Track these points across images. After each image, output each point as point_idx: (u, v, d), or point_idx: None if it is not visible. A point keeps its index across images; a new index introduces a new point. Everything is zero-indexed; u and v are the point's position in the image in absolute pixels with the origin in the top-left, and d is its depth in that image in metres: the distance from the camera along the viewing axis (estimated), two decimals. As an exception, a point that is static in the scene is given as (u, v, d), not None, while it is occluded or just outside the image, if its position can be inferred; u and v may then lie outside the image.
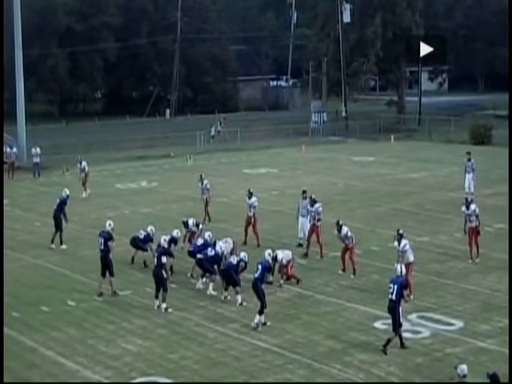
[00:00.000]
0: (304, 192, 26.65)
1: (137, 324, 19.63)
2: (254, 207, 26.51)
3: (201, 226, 24.88)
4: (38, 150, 42.51)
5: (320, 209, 25.03)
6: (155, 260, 20.76)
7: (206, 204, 30.13)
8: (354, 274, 22.94)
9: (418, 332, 18.68)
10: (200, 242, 22.87)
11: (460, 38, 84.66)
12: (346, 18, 64.29)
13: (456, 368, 13.29)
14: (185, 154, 47.79)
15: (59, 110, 77.13)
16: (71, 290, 22.30)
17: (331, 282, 22.72)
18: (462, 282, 22.44)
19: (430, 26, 69.99)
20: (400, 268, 18.40)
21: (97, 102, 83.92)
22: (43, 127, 59.70)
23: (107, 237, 21.90)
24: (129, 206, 33.68)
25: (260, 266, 19.49)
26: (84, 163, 36.98)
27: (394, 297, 17.54)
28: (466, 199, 24.99)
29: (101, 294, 21.57)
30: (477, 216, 24.23)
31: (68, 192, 27.93)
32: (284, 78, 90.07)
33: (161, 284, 20.34)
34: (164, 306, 20.26)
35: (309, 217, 25.35)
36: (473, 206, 24.34)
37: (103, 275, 21.62)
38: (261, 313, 19.09)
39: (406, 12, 64.76)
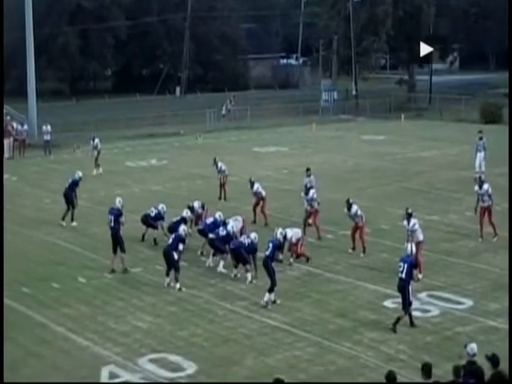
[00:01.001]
0: (308, 170, 27.02)
1: (147, 301, 19.71)
2: (260, 193, 26.53)
3: (206, 207, 24.91)
4: (49, 127, 42.52)
5: (315, 195, 24.88)
6: (170, 240, 20.77)
7: (224, 183, 30.13)
8: (364, 252, 22.94)
9: (428, 311, 18.69)
10: (210, 220, 22.93)
11: (471, 15, 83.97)
12: (357, -4, 63.88)
13: (466, 347, 13.29)
14: (195, 132, 47.75)
15: (70, 87, 77.15)
16: (81, 266, 22.39)
17: (341, 260, 22.73)
18: (471, 261, 22.42)
19: (442, 3, 69.41)
20: (410, 247, 18.40)
21: (107, 80, 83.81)
22: (54, 105, 59.73)
23: (117, 213, 21.95)
24: (138, 184, 33.72)
25: (271, 245, 19.52)
26: (97, 140, 37.02)
27: (403, 275, 17.54)
28: (480, 178, 24.87)
29: (113, 271, 21.64)
30: (489, 196, 24.14)
31: (81, 174, 27.76)
32: (294, 56, 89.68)
33: (172, 264, 20.38)
34: (178, 286, 20.26)
35: (305, 203, 25.08)
36: (486, 186, 24.23)
37: (114, 252, 21.69)
38: (271, 291, 19.14)
39: (417, -11, 64.31)
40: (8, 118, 44.18)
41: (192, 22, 76.01)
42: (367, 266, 22.12)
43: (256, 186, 26.68)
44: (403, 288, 17.52)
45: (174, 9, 76.76)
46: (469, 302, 19.22)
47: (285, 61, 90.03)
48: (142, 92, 70.92)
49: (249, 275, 20.71)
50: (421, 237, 21.23)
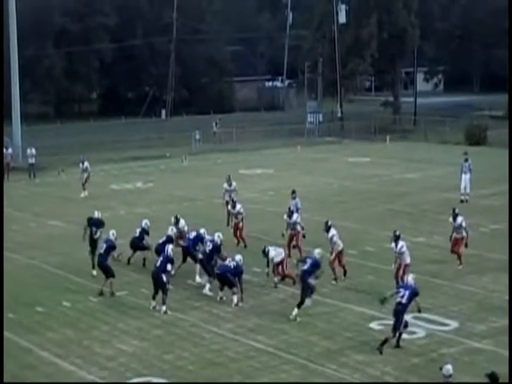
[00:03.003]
0: (293, 192, 27.13)
1: (132, 325, 19.62)
2: (241, 213, 26.52)
3: (186, 228, 24.69)
4: (34, 150, 42.38)
5: (298, 219, 24.89)
6: (158, 262, 20.72)
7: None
8: (345, 275, 22.66)
9: (414, 332, 18.67)
10: (193, 234, 23.01)
11: (455, 38, 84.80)
12: (342, 19, 64.40)
13: (441, 369, 13.28)
14: (180, 155, 47.78)
15: (55, 110, 76.99)
16: (66, 290, 22.27)
17: (326, 282, 22.61)
18: (457, 283, 22.46)
19: (426, 26, 70.10)
20: (411, 279, 18.23)
21: (92, 103, 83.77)
22: (39, 128, 59.54)
23: (110, 245, 21.93)
24: (124, 207, 33.63)
25: (309, 261, 19.87)
26: (86, 164, 36.86)
27: (404, 300, 17.50)
28: (454, 210, 24.42)
29: (101, 294, 21.57)
30: (465, 228, 23.74)
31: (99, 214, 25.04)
32: (280, 78, 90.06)
33: (160, 287, 20.29)
34: (164, 308, 20.19)
35: (288, 229, 24.93)
36: (459, 219, 23.77)
37: (107, 277, 21.67)
38: (300, 305, 19.39)
39: (402, 12, 64.83)
40: None
41: (177, 44, 76.25)
42: (353, 289, 22.11)
43: (239, 206, 26.70)
44: (400, 312, 17.46)
45: (160, 31, 76.94)
46: (454, 324, 19.25)
47: (270, 83, 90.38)
48: (128, 115, 70.89)
49: (235, 298, 20.68)
50: (408, 259, 21.25)
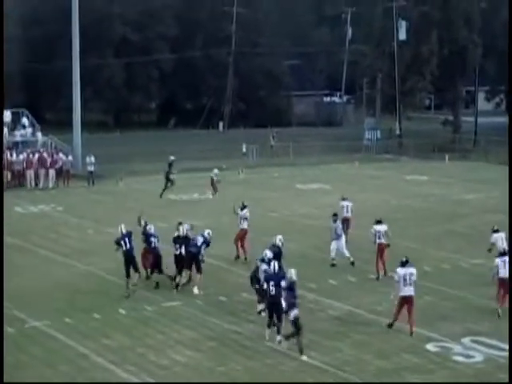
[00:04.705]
0: (334, 215, 26.50)
1: (186, 335, 19.65)
2: (246, 218, 26.28)
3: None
4: (93, 158, 43.02)
5: (385, 229, 24.49)
6: (271, 288, 19.01)
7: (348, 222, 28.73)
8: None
9: (471, 356, 18.33)
10: (200, 240, 23.29)
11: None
12: (402, 35, 63.97)
13: None
14: (237, 167, 47.90)
15: (114, 119, 78.03)
16: (122, 298, 22.39)
17: (383, 300, 22.40)
18: (516, 307, 21.98)
19: (488, 44, 69.23)
20: None
21: (151, 113, 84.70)
22: (98, 136, 60.38)
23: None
24: (180, 218, 33.63)
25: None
26: (216, 170, 39.21)
27: None
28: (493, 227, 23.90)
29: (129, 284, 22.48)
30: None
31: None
32: (338, 93, 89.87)
33: (277, 313, 18.86)
34: (279, 338, 18.77)
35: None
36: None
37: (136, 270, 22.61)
38: None
39: (463, 30, 64.19)
40: (43, 148, 44.39)
41: (236, 57, 76.67)
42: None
43: (245, 210, 26.43)
44: None
45: (219, 43, 77.45)
46: (513, 349, 18.84)
47: (328, 98, 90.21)
48: (186, 125, 71.42)
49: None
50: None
